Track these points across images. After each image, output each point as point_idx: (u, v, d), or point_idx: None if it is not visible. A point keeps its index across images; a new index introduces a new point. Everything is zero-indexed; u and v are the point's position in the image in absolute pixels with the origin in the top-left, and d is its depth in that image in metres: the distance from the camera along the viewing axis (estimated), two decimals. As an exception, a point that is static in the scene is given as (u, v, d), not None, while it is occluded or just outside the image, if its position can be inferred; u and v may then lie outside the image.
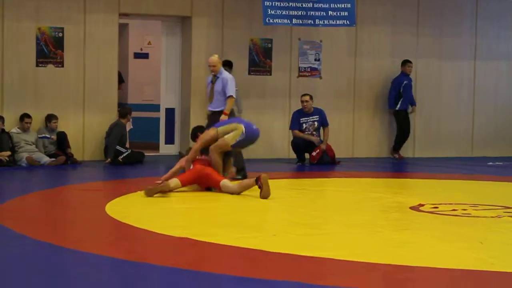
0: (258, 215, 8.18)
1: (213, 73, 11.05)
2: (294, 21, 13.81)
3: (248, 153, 13.60)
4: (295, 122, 13.93)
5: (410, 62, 15.27)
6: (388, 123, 15.55)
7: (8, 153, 12.51)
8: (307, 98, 13.92)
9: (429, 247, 6.40)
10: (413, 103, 15.32)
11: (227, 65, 13.40)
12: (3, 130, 12.71)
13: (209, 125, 10.72)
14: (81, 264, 5.67)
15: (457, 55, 16.05)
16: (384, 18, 15.46)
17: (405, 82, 15.12)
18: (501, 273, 5.49)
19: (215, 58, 11.08)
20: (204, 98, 12.39)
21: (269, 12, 13.62)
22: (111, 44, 13.90)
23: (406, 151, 15.51)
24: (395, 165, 14.43)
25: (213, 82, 11.02)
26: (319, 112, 13.98)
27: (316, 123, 13.90)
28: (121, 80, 15.01)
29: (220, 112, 10.84)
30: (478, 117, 16.26)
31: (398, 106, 15.14)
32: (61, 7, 13.53)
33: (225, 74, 11.14)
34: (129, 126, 13.92)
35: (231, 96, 10.89)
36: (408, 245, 6.43)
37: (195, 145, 10.05)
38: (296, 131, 13.86)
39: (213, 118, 10.89)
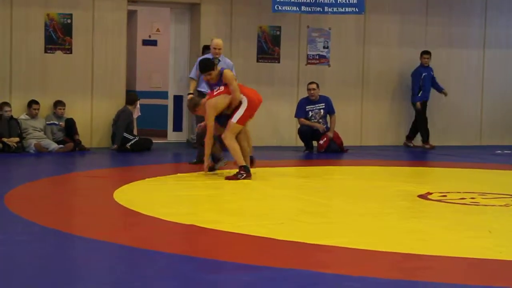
0: (265, 203, 8.17)
1: (216, 56, 11.03)
2: (303, 8, 13.77)
3: (255, 140, 13.62)
4: (301, 110, 13.89)
5: (425, 53, 15.16)
6: (396, 111, 15.51)
7: (17, 139, 12.52)
8: (314, 86, 13.89)
9: (437, 236, 6.38)
10: (440, 90, 15.28)
11: (209, 48, 13.37)
12: (11, 116, 12.73)
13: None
14: (88, 251, 5.67)
15: (466, 44, 15.98)
16: (393, 6, 15.39)
17: (424, 74, 15.07)
18: (509, 262, 5.47)
19: (221, 41, 11.16)
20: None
21: (278, -1, 13.60)
22: (120, 30, 13.88)
23: (415, 139, 15.47)
24: (403, 153, 14.40)
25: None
26: (325, 99, 13.94)
27: (322, 111, 13.86)
28: None
29: None
30: (486, 106, 16.20)
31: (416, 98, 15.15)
32: (69, -6, 13.54)
33: (227, 59, 11.23)
34: (137, 113, 13.91)
35: None
36: (416, 234, 6.41)
37: (233, 83, 9.69)
38: (302, 119, 13.83)
39: None
